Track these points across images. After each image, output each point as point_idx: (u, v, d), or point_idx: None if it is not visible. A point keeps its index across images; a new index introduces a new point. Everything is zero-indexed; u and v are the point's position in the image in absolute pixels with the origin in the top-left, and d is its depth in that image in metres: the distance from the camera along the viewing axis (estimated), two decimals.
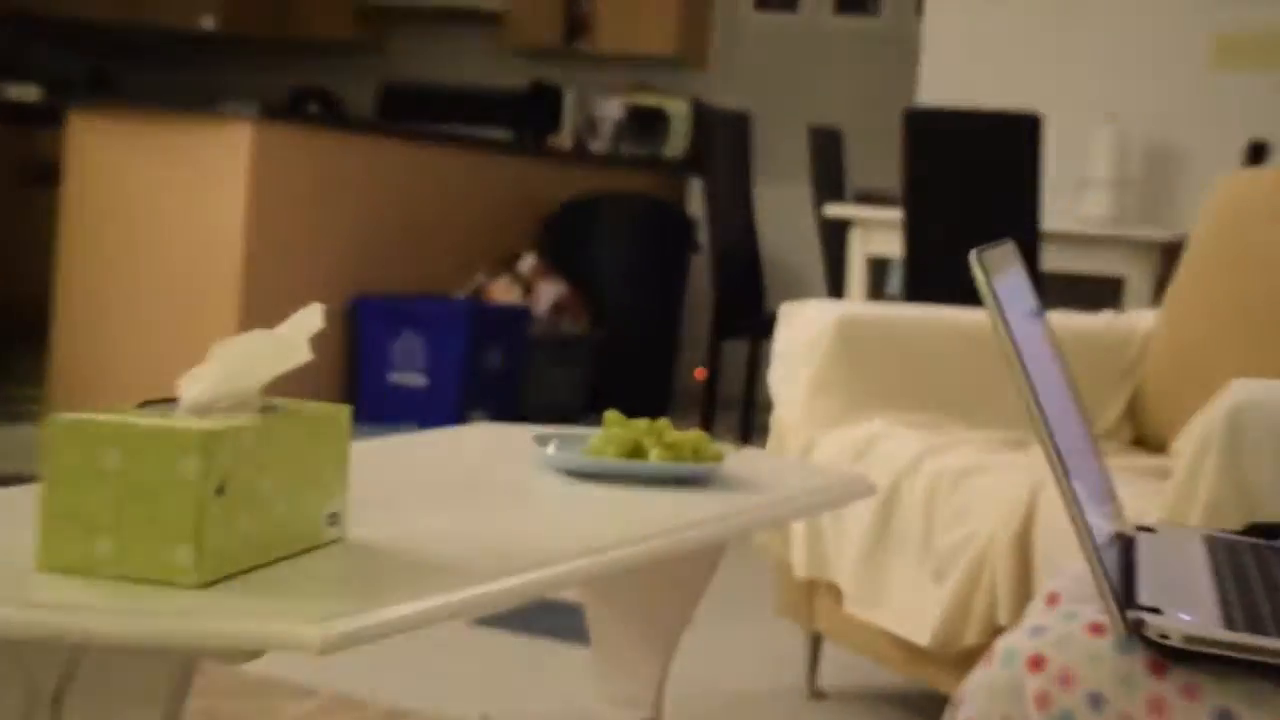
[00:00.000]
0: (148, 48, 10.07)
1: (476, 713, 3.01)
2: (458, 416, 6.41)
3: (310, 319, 1.46)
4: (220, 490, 1.30)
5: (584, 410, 7.23)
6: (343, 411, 1.50)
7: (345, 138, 6.48)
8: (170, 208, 6.03)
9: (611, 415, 2.08)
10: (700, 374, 7.08)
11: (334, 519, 1.50)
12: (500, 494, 1.85)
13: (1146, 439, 3.26)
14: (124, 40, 9.90)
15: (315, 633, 1.20)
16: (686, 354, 8.28)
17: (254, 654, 1.23)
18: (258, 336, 1.42)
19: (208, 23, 9.53)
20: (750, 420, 6.57)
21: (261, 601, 1.28)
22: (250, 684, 3.04)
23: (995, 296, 1.34)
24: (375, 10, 9.51)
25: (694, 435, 2.04)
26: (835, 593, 3.06)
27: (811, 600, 3.20)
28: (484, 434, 2.29)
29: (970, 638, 2.61)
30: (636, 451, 2.01)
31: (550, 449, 2.04)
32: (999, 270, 1.48)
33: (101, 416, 1.31)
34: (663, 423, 2.06)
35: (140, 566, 1.29)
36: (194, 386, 1.38)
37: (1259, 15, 6.17)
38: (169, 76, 10.16)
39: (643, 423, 2.06)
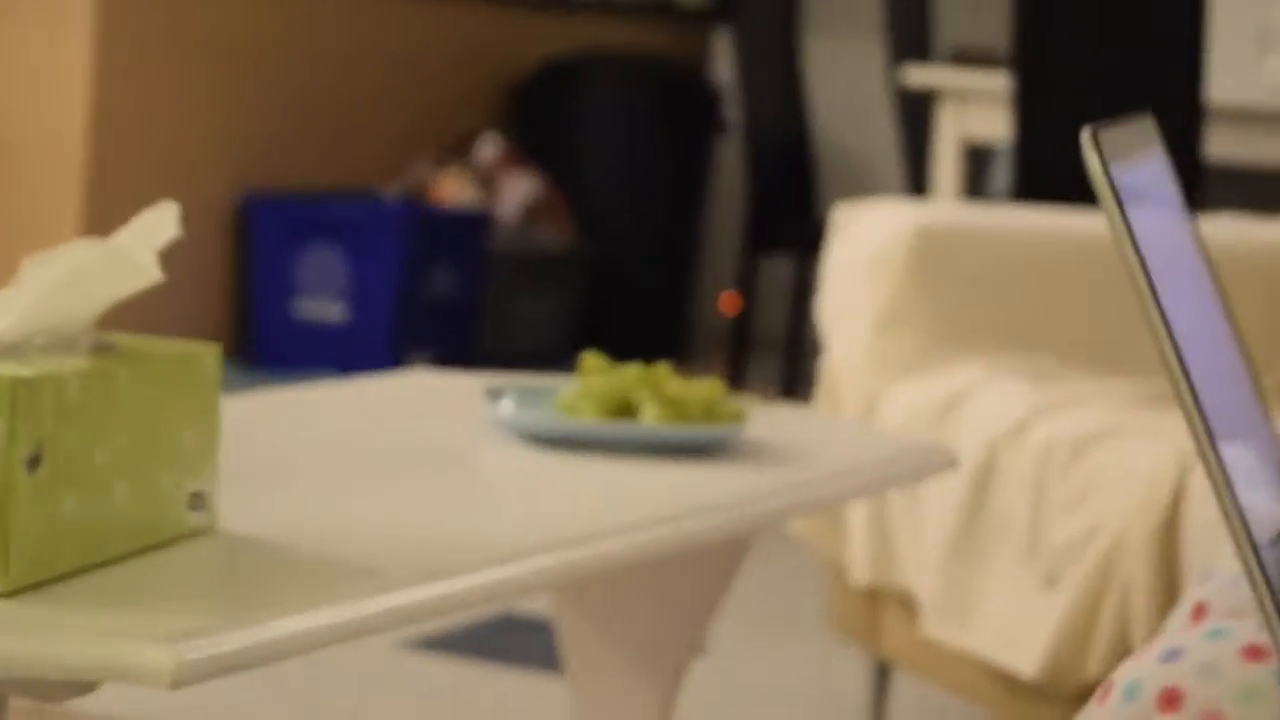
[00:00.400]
0: None
1: None
2: (392, 360, 6.34)
3: (161, 224, 1.40)
4: (35, 462, 1.27)
5: (567, 353, 7.12)
6: (209, 352, 1.45)
7: None
8: None
9: (592, 359, 2.06)
10: (729, 303, 7.05)
11: (199, 501, 1.46)
12: (436, 468, 1.85)
13: None
14: None
15: (166, 658, 1.17)
16: (709, 275, 8.25)
17: (85, 687, 1.22)
18: (86, 250, 1.37)
19: None
20: (796, 366, 6.53)
21: (93, 615, 1.26)
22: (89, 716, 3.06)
23: (1115, 192, 1.35)
24: None
25: (706, 387, 2.02)
26: (909, 605, 3.07)
27: (877, 615, 3.20)
28: (418, 385, 2.28)
29: (1093, 666, 2.62)
30: (625, 409, 1.99)
31: (507, 405, 2.02)
32: (1127, 156, 1.48)
33: None
34: (662, 369, 2.04)
35: None
36: None
37: None
38: None
39: (635, 369, 2.04)
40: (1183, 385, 1.33)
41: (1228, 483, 1.35)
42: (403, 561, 1.46)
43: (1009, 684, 2.83)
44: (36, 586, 1.27)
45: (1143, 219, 1.41)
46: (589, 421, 1.97)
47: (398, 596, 1.38)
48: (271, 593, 1.35)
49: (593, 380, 2.03)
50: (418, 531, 1.57)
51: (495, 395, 2.07)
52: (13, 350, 1.31)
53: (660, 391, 2.00)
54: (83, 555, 1.33)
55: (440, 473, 1.84)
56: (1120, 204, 1.35)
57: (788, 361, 6.56)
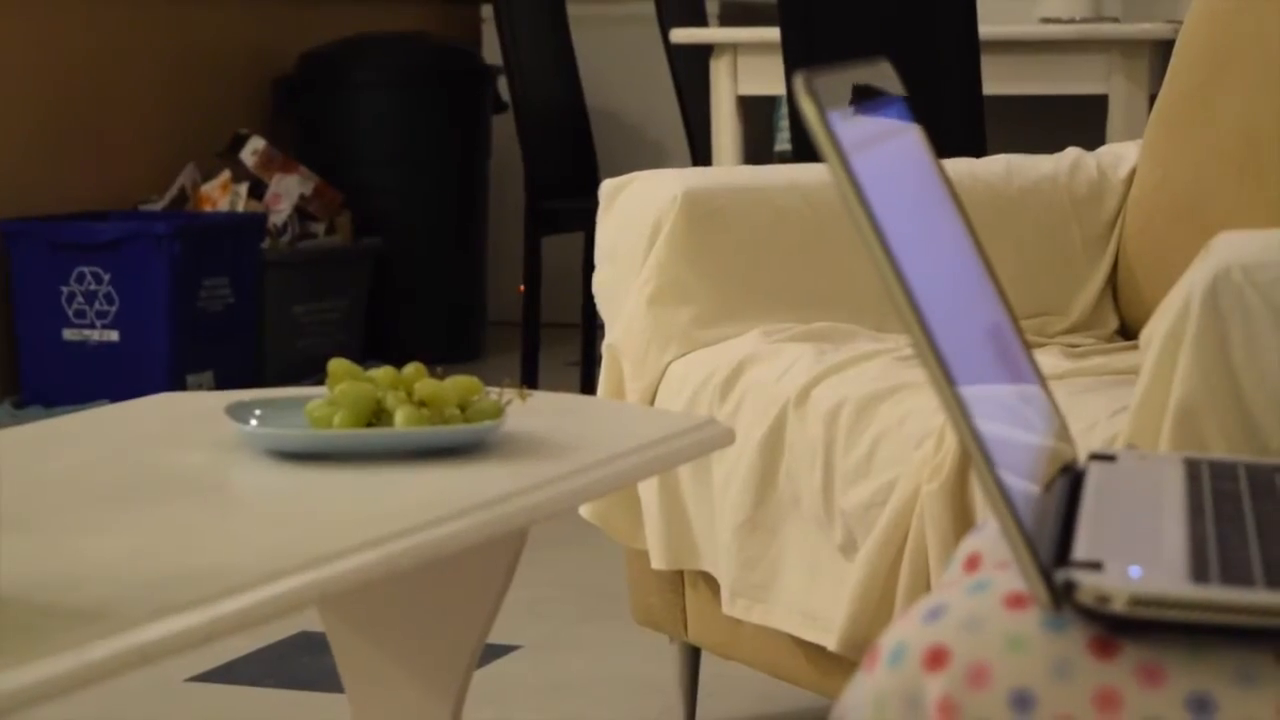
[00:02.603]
0: None
1: None
2: (171, 382, 6.32)
3: None
4: None
5: (360, 357, 7.11)
6: None
7: None
8: None
9: (338, 365, 2.03)
10: (522, 290, 7.03)
11: None
12: (179, 494, 1.83)
13: (1134, 326, 3.27)
14: None
15: None
16: (499, 262, 8.22)
17: None
18: None
19: None
20: (593, 349, 6.52)
21: None
22: None
23: (838, 147, 1.35)
24: None
25: (461, 384, 2.00)
26: (711, 586, 3.07)
27: (681, 600, 3.20)
28: (165, 407, 2.26)
29: (906, 621, 2.61)
30: (377, 416, 1.98)
31: (253, 422, 2.01)
32: (863, 96, 1.48)
33: None
34: (413, 369, 2.03)
35: None
36: None
37: None
38: None
39: (385, 372, 2.03)
40: (916, 331, 1.33)
41: (969, 421, 1.36)
42: (137, 599, 1.44)
43: (818, 658, 2.84)
44: None
45: (873, 161, 1.41)
46: (338, 432, 1.95)
47: (129, 637, 1.36)
48: (12, 637, 1.33)
49: (342, 387, 2.01)
50: (156, 565, 1.56)
51: (239, 413, 2.05)
52: None
53: (411, 393, 1.99)
54: None
55: (183, 499, 1.82)
56: (839, 148, 1.34)
57: (586, 343, 6.54)
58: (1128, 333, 3.27)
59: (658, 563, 3.12)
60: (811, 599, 2.77)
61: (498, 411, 2.00)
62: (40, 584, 1.49)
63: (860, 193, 1.33)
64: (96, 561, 1.57)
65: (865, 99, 1.52)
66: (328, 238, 7.15)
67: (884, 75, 1.60)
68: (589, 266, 4.79)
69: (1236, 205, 2.98)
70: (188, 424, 2.17)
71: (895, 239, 1.35)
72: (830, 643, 2.70)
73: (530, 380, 6.18)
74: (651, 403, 3.11)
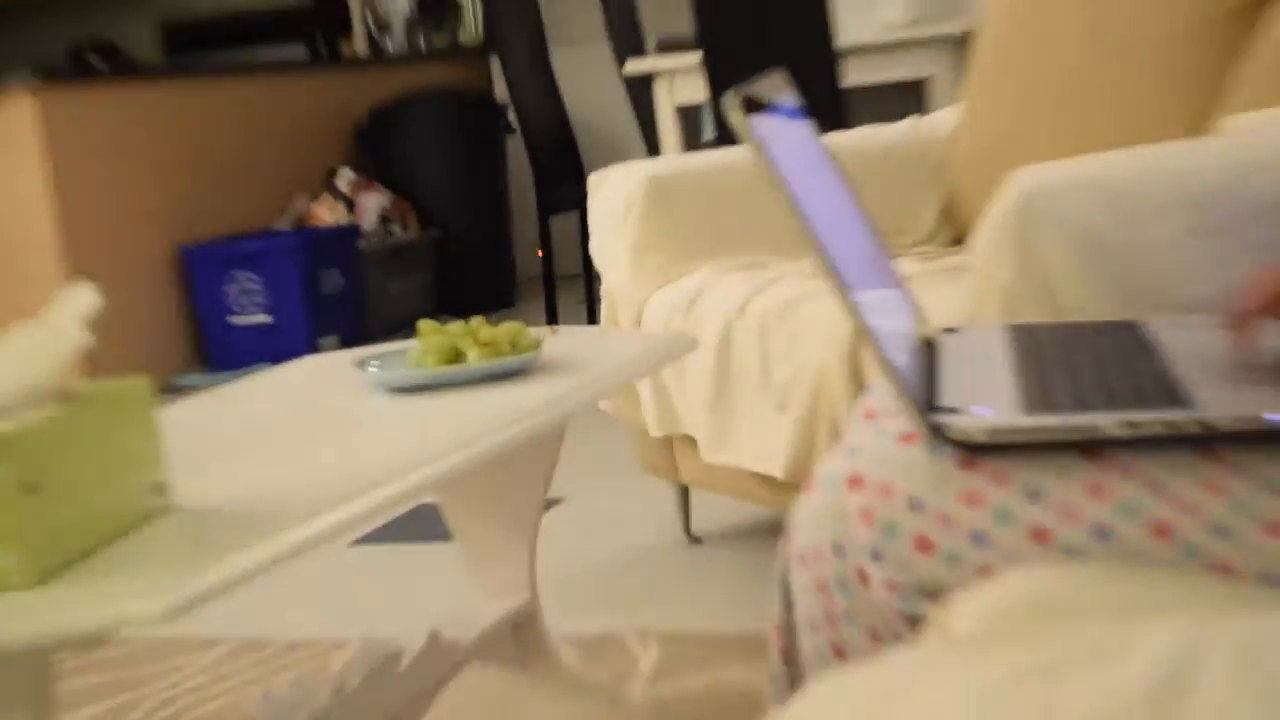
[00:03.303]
0: None
1: (369, 632, 3.01)
2: (309, 347, 6.33)
3: (80, 300, 1.39)
4: (32, 489, 1.25)
5: (433, 316, 7.12)
6: (142, 386, 1.44)
7: (133, 87, 6.39)
8: None
9: (424, 324, 2.04)
10: (540, 255, 7.04)
11: (157, 489, 1.44)
12: (328, 424, 1.84)
13: (964, 236, 3.27)
14: None
15: (153, 607, 1.18)
16: (522, 238, 8.23)
17: (100, 637, 1.20)
18: (26, 331, 1.36)
19: None
20: (593, 292, 6.53)
21: (97, 588, 1.25)
22: (155, 645, 3.04)
23: (756, 139, 1.35)
24: None
25: (510, 328, 2.01)
26: (692, 444, 3.09)
27: (672, 455, 3.23)
28: (308, 367, 2.26)
29: (818, 462, 2.64)
30: (456, 356, 1.98)
31: (372, 369, 2.01)
32: (767, 105, 1.49)
33: None
34: (477, 321, 2.03)
35: None
36: None
37: None
38: None
39: (458, 325, 2.03)
40: (823, 260, 1.34)
41: (863, 317, 1.36)
42: (310, 500, 1.44)
43: (768, 483, 2.87)
44: (54, 575, 1.27)
45: (781, 146, 1.42)
46: (430, 370, 1.96)
47: (306, 529, 1.37)
48: (220, 543, 1.33)
49: (429, 339, 2.02)
50: (318, 476, 1.57)
51: (361, 364, 2.06)
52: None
53: (478, 338, 2.00)
54: (82, 546, 1.32)
55: (331, 428, 1.82)
56: (767, 153, 1.35)
57: (587, 289, 6.55)
58: (960, 241, 3.27)
59: (655, 431, 3.14)
60: (760, 444, 2.79)
61: (536, 345, 2.01)
62: (235, 496, 1.49)
63: (776, 169, 1.34)
64: (273, 477, 1.57)
65: (773, 103, 1.52)
66: (403, 234, 7.14)
67: (780, 84, 1.61)
68: (585, 235, 4.78)
69: (1031, 144, 2.98)
70: (327, 376, 2.16)
71: (800, 196, 1.36)
72: (777, 473, 2.73)
73: (552, 319, 6.18)
74: (638, 325, 3.12)
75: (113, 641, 3.02)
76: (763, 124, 1.41)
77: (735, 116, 1.36)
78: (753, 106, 1.42)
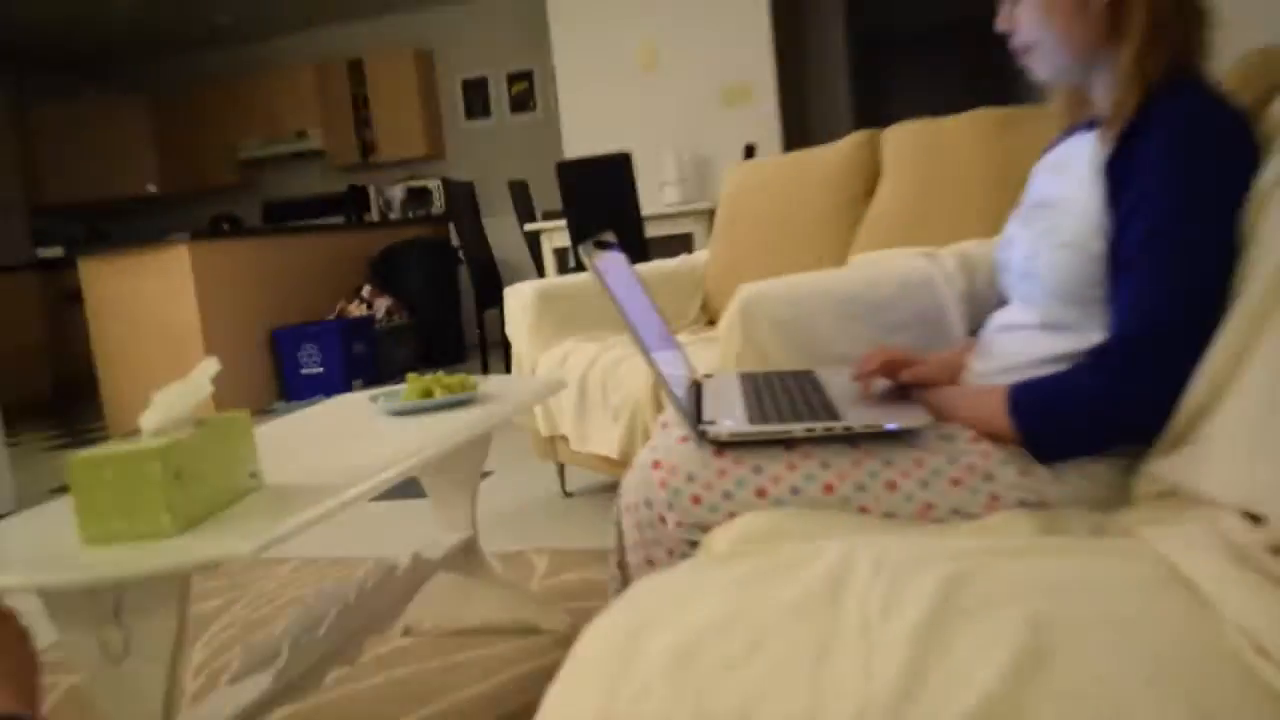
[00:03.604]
0: (118, 210, 9.55)
1: (378, 554, 2.93)
2: (345, 388, 6.18)
3: (209, 368, 1.35)
4: (177, 476, 1.22)
5: (416, 370, 7.02)
6: (244, 415, 1.39)
7: (247, 241, 6.23)
8: (150, 304, 5.74)
9: (411, 376, 1.98)
10: (476, 332, 6.94)
11: (254, 475, 1.40)
12: (356, 435, 1.77)
13: (714, 322, 3.29)
14: (103, 207, 9.38)
15: (245, 545, 1.15)
16: (468, 322, 8.16)
17: (217, 563, 1.17)
18: (180, 385, 1.31)
19: (152, 188, 9.11)
20: (509, 354, 6.48)
21: (214, 535, 1.21)
22: (255, 565, 2.95)
23: (598, 271, 1.33)
24: (251, 160, 9.15)
25: (461, 377, 1.96)
26: (564, 439, 3.05)
27: (554, 446, 3.18)
28: (343, 401, 2.19)
29: (636, 451, 2.61)
30: (429, 393, 1.93)
31: (380, 402, 1.95)
32: (603, 249, 1.46)
33: (97, 451, 1.22)
34: (440, 374, 1.98)
35: (141, 531, 1.21)
36: (149, 419, 1.28)
37: (746, 69, 6.26)
38: (134, 225, 9.66)
39: (430, 376, 1.98)
40: (637, 339, 1.31)
41: (659, 370, 1.34)
42: (345, 478, 1.39)
43: (609, 461, 2.82)
44: (190, 526, 1.23)
45: (613, 276, 1.39)
46: (414, 401, 1.90)
47: (340, 497, 1.32)
48: (289, 508, 1.28)
49: (413, 383, 1.95)
50: (350, 463, 1.50)
51: (374, 399, 2.00)
52: (158, 431, 1.28)
53: (441, 383, 1.95)
54: (208, 510, 1.28)
55: (357, 437, 1.76)
56: (601, 273, 1.32)
57: (505, 354, 6.46)
58: (713, 324, 3.28)
59: (544, 432, 3.09)
60: (604, 439, 2.75)
61: (475, 386, 1.96)
62: (301, 479, 1.44)
63: (607, 285, 1.31)
64: (322, 467, 1.51)
65: (607, 246, 1.50)
66: (399, 321, 7.00)
67: (609, 236, 1.59)
68: (503, 321, 4.72)
69: (746, 271, 2.98)
70: (354, 406, 2.09)
71: (622, 300, 1.34)
72: (614, 455, 2.69)
73: (485, 371, 6.09)
74: (534, 373, 3.07)
75: (225, 566, 2.94)
76: (600, 259, 1.39)
77: (585, 256, 1.34)
78: (594, 250, 1.40)
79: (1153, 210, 1.20)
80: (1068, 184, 1.34)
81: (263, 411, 5.88)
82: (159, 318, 5.75)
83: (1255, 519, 0.99)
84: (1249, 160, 1.22)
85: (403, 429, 1.76)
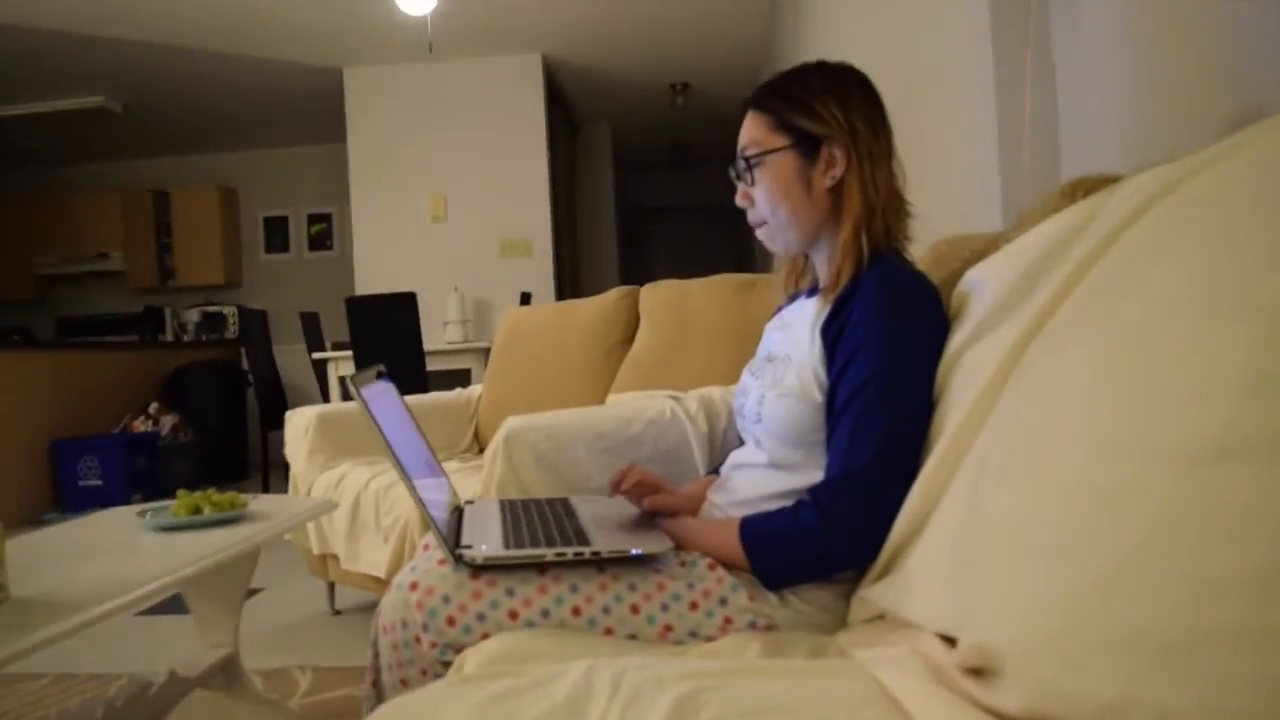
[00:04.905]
0: None
1: (133, 669, 2.67)
2: (125, 500, 5.69)
3: None
4: None
5: (200, 486, 6.57)
6: None
7: (40, 353, 5.77)
8: None
9: (181, 492, 1.83)
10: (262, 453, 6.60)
11: (2, 590, 1.23)
12: (119, 549, 1.60)
13: (485, 450, 3.21)
14: None
15: None
16: (253, 443, 7.74)
17: None
18: None
19: None
20: (288, 474, 6.18)
21: None
22: (5, 678, 2.62)
23: (364, 400, 1.26)
24: (46, 276, 8.51)
25: (230, 495, 1.82)
26: (335, 558, 2.88)
27: (325, 564, 3.00)
28: (112, 515, 1.99)
29: (398, 570, 2.50)
30: (197, 510, 1.78)
31: (148, 517, 1.78)
32: (370, 381, 1.40)
33: None
34: (211, 492, 1.83)
35: None
36: None
37: (526, 227, 6.33)
38: None
39: (200, 493, 1.83)
40: (399, 470, 1.25)
41: (420, 498, 1.28)
42: (95, 595, 1.25)
43: (378, 581, 2.67)
44: None
45: (378, 407, 1.32)
46: (182, 518, 1.75)
47: (86, 614, 1.17)
48: (32, 623, 1.13)
49: (183, 499, 1.80)
50: (104, 579, 1.35)
51: (141, 514, 1.83)
52: None
53: (211, 500, 1.80)
54: None
55: (118, 552, 1.60)
56: (367, 404, 1.26)
57: (286, 473, 6.16)
58: (482, 453, 3.21)
59: (315, 550, 2.92)
60: (374, 559, 2.61)
61: (245, 504, 1.83)
62: (50, 593, 1.28)
63: (372, 415, 1.25)
64: (77, 581, 1.36)
65: (378, 377, 1.43)
66: (184, 438, 6.56)
67: (380, 369, 1.52)
68: (282, 443, 4.50)
69: (514, 405, 2.94)
70: (124, 520, 1.90)
71: (386, 430, 1.27)
72: (382, 575, 2.55)
73: (266, 490, 5.77)
74: (310, 494, 2.91)
75: None
76: (368, 389, 1.32)
77: (351, 386, 1.27)
78: (363, 380, 1.33)
79: (862, 365, 1.25)
80: (792, 341, 1.38)
81: (35, 521, 5.34)
82: None
83: (951, 641, 1.01)
84: (943, 326, 1.29)
85: (169, 544, 1.61)
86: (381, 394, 1.41)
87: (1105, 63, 1.59)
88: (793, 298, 1.50)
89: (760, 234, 1.43)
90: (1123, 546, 0.72)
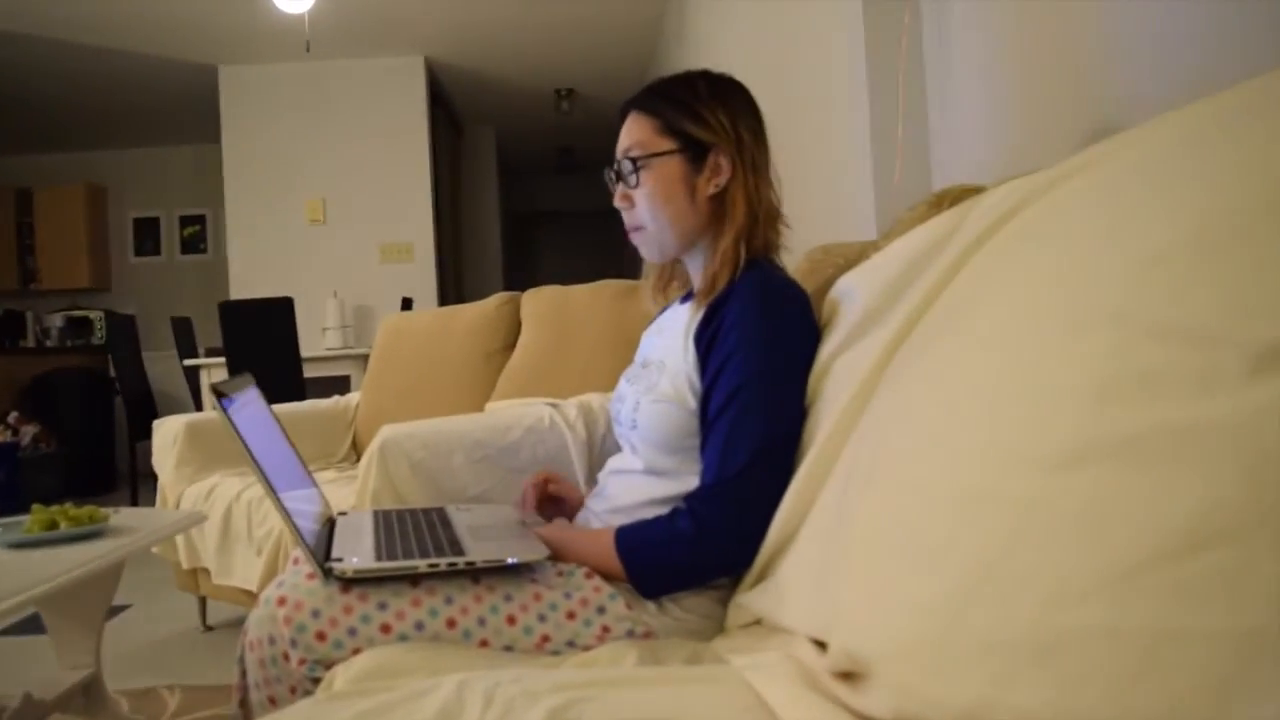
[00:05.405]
0: None
1: (1, 693, 2.52)
2: None
3: None
4: None
5: (62, 500, 6.26)
6: None
7: None
8: None
9: (36, 507, 1.73)
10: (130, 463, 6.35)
11: None
12: None
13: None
14: None
15: None
16: (120, 453, 7.41)
17: None
18: None
19: None
20: (155, 484, 5.95)
21: None
22: None
23: (226, 412, 1.21)
24: None
25: (89, 509, 1.73)
26: (206, 572, 2.78)
27: (196, 578, 2.89)
28: None
29: (270, 586, 2.42)
30: (53, 525, 1.69)
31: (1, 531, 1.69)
32: (238, 390, 1.34)
33: None
34: (68, 506, 1.74)
35: None
36: None
37: (408, 231, 6.22)
38: None
39: (57, 507, 1.74)
40: (263, 482, 1.20)
41: (286, 510, 1.23)
42: None
43: (250, 595, 2.58)
44: None
45: (245, 416, 1.27)
46: (36, 534, 1.66)
47: None
48: None
49: (38, 515, 1.71)
50: None
51: None
52: None
53: (68, 514, 1.72)
54: None
55: None
56: (230, 416, 1.20)
57: (155, 485, 5.94)
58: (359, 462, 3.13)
59: (185, 564, 2.81)
60: (246, 573, 2.53)
61: (106, 518, 1.74)
62: None
63: (234, 426, 1.20)
64: None
65: (245, 386, 1.38)
66: (46, 449, 6.26)
67: (249, 378, 1.46)
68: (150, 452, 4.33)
69: (391, 414, 2.88)
70: None
71: (250, 441, 1.22)
72: (254, 589, 2.47)
73: (134, 502, 5.54)
74: (178, 506, 2.79)
75: None
76: (235, 400, 1.27)
77: (213, 396, 1.22)
78: (234, 388, 1.28)
79: (735, 372, 1.26)
80: (665, 347, 1.38)
81: None
82: None
83: (824, 645, 1.02)
84: (814, 334, 1.30)
85: (23, 561, 1.52)
86: (249, 403, 1.35)
87: (974, 82, 1.63)
88: (670, 303, 1.50)
89: (635, 238, 1.43)
90: (982, 552, 0.73)
